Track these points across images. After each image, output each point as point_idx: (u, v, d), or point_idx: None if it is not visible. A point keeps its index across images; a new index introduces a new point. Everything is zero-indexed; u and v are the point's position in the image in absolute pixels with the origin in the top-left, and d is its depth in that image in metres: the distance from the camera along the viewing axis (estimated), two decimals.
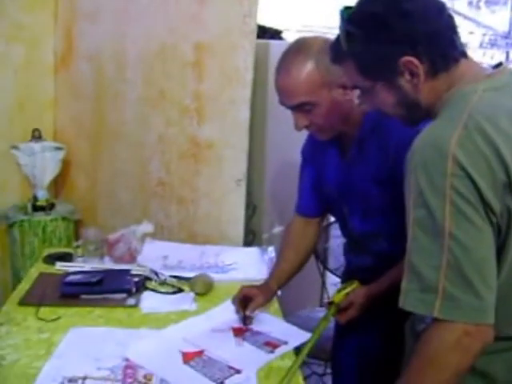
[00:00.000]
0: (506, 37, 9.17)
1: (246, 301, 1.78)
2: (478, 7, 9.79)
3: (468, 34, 9.23)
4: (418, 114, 1.26)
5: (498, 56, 9.53)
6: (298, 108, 1.61)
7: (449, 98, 1.19)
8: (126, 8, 2.83)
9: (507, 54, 9.36)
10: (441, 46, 1.19)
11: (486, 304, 1.07)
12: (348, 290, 1.72)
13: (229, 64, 2.46)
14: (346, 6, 1.24)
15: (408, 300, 1.12)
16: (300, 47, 1.61)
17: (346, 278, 1.94)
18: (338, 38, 1.26)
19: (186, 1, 2.57)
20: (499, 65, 1.24)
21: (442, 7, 1.21)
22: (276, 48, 2.64)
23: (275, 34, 2.96)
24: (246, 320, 1.75)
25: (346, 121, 1.65)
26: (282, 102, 1.64)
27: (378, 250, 1.75)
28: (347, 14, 1.22)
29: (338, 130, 1.68)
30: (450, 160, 1.07)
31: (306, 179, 1.94)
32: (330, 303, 1.72)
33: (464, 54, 1.23)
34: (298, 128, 1.66)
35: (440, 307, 1.07)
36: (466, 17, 9.10)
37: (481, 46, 9.51)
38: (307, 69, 1.56)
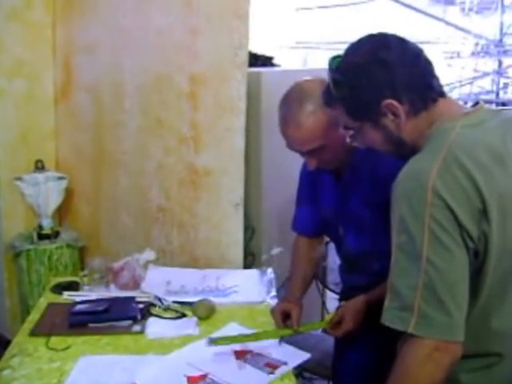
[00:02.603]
0: (497, 45, 9.27)
1: (285, 317, 1.89)
2: (470, 15, 9.90)
3: (460, 45, 9.35)
4: (404, 150, 1.36)
5: (490, 64, 9.63)
6: (309, 152, 1.70)
7: (430, 134, 1.30)
8: (122, 40, 2.93)
9: (499, 61, 9.46)
10: (418, 88, 1.30)
11: (455, 323, 1.18)
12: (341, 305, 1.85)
13: (222, 94, 2.54)
14: (334, 55, 1.37)
15: (388, 316, 1.23)
16: (302, 96, 1.67)
17: (343, 297, 2.04)
18: (328, 85, 1.38)
19: (180, 33, 2.66)
20: (477, 103, 1.35)
21: (419, 54, 1.33)
22: (267, 76, 2.74)
23: (266, 61, 3.06)
24: (297, 331, 1.85)
25: (347, 150, 1.72)
26: (293, 149, 1.72)
27: (372, 269, 1.82)
28: (335, 64, 1.35)
29: (342, 159, 1.76)
30: (430, 191, 1.18)
31: (304, 200, 2.03)
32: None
33: (442, 94, 1.34)
34: (310, 168, 1.75)
35: (414, 324, 1.18)
36: (457, 27, 9.21)
37: (473, 54, 9.61)
38: (315, 117, 1.64)
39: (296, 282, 2.01)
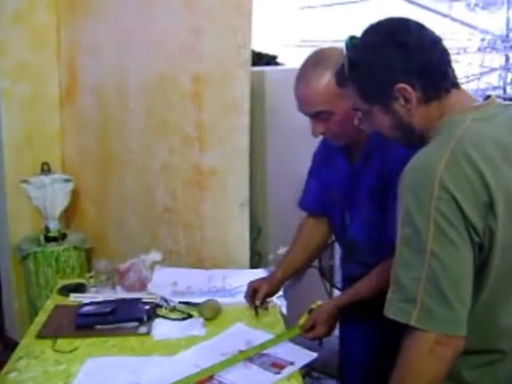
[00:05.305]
0: (504, 40, 9.20)
1: (254, 294, 1.97)
2: (476, 10, 9.84)
3: (467, 41, 9.28)
4: (412, 138, 1.35)
5: (497, 59, 9.57)
6: (315, 116, 1.71)
7: (440, 126, 1.29)
8: (126, 41, 2.93)
9: (507, 56, 9.39)
10: (433, 76, 1.29)
11: (457, 317, 1.17)
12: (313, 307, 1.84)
13: (226, 93, 2.54)
14: (351, 35, 1.36)
15: (390, 308, 1.22)
16: (318, 59, 1.70)
17: (343, 285, 2.06)
18: (342, 65, 1.37)
19: (183, 33, 2.66)
20: (488, 97, 1.34)
21: (437, 41, 1.32)
22: (271, 75, 2.74)
23: (271, 60, 3.05)
24: (256, 311, 1.93)
25: (359, 131, 1.69)
26: (301, 110, 1.74)
27: (364, 260, 1.82)
28: (351, 43, 1.35)
29: (352, 137, 1.76)
30: (437, 183, 1.17)
31: (314, 178, 2.03)
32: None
33: (456, 85, 1.33)
34: (314, 134, 1.76)
35: (416, 317, 1.17)
36: (463, 23, 9.16)
37: (479, 50, 9.55)
38: (325, 80, 1.65)
39: (282, 264, 2.06)
